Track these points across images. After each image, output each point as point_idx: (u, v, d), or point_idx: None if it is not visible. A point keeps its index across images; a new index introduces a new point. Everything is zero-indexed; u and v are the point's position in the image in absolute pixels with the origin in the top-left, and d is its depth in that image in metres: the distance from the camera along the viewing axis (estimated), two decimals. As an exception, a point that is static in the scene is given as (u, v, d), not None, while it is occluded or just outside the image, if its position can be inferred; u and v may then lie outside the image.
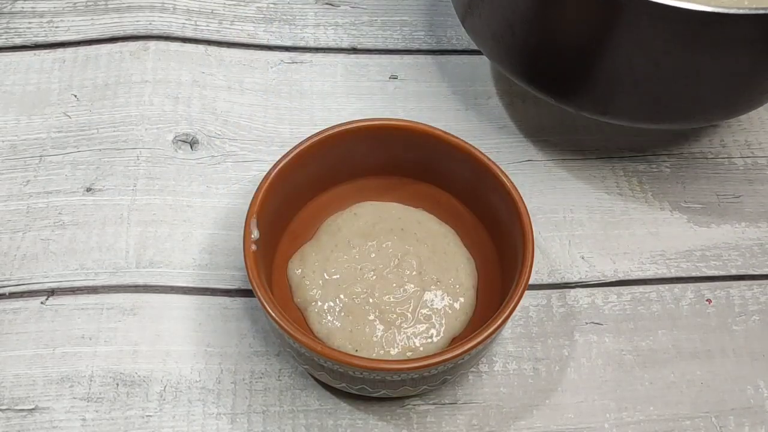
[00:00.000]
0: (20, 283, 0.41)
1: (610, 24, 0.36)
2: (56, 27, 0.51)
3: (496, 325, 0.33)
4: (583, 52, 0.38)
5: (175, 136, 0.46)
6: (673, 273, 0.43)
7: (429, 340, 0.37)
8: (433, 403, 0.38)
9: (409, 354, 0.37)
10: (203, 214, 0.44)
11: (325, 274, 0.38)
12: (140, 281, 0.41)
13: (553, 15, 0.38)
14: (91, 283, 0.41)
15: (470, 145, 0.38)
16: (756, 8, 0.33)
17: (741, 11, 0.33)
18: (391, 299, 0.38)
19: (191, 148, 0.46)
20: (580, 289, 0.42)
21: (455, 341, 0.38)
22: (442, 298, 0.38)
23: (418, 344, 0.37)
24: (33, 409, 0.37)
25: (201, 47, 0.51)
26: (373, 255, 0.39)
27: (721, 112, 0.42)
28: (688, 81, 0.38)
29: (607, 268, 0.43)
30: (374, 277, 0.38)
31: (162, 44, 0.50)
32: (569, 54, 0.39)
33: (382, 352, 0.36)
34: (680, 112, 0.40)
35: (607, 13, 0.35)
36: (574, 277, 0.42)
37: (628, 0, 0.34)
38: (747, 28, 0.34)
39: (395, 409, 0.38)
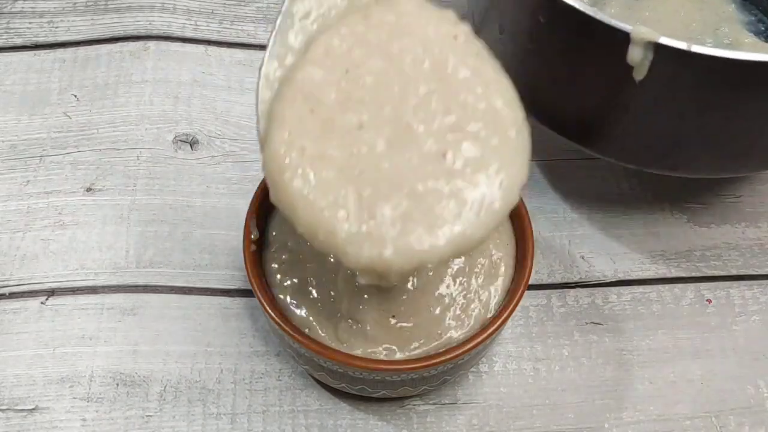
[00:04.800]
0: (20, 283, 0.41)
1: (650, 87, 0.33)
2: (56, 27, 0.51)
3: (496, 325, 0.33)
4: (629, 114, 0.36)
5: (175, 136, 0.46)
6: (673, 273, 0.43)
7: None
8: (433, 403, 0.38)
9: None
10: (203, 214, 0.44)
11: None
12: (140, 281, 0.41)
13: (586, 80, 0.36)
14: (91, 283, 0.41)
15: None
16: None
17: None
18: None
19: (191, 148, 0.46)
20: (580, 289, 0.42)
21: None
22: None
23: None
24: (33, 409, 0.37)
25: (201, 47, 0.51)
26: None
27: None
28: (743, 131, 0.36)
29: (607, 268, 0.43)
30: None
31: (162, 44, 0.50)
32: (609, 115, 0.38)
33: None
34: (736, 162, 0.38)
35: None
36: (574, 277, 0.42)
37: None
38: None
39: (395, 409, 0.38)
